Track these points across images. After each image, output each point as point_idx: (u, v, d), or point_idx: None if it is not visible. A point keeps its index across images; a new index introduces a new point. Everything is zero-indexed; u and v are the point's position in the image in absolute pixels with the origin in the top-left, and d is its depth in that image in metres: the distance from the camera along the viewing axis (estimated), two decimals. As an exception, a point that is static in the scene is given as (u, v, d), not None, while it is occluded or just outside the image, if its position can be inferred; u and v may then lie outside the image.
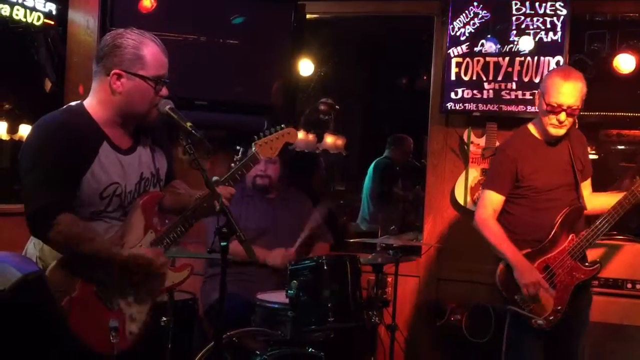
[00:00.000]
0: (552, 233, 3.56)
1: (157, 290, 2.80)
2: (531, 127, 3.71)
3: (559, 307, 3.52)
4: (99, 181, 2.60)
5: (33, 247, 2.66)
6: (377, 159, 7.03)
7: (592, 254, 3.81)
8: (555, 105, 3.48)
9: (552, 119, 3.51)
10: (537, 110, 3.68)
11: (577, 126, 3.77)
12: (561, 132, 3.56)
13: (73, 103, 2.74)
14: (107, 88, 2.65)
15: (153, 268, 2.67)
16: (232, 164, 2.95)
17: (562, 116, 3.49)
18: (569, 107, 3.47)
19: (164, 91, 2.69)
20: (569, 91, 3.47)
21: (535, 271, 3.51)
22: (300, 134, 5.90)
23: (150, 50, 2.65)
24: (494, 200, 3.64)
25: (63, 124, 2.61)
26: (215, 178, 2.83)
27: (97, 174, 2.60)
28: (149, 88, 2.64)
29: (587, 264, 3.62)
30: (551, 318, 3.52)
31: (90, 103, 2.70)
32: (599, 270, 3.65)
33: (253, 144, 2.96)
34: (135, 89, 2.64)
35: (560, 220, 3.56)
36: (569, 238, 3.58)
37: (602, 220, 3.55)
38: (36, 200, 2.52)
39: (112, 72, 2.62)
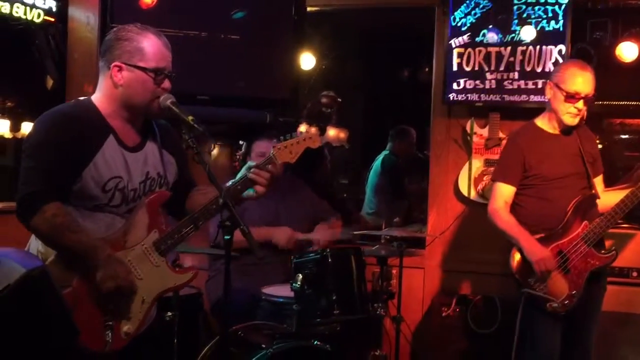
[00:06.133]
0: (565, 219, 3.60)
1: (156, 291, 2.75)
2: (538, 121, 3.78)
3: (574, 292, 3.56)
4: (101, 174, 2.60)
5: (35, 240, 2.65)
6: (383, 154, 6.96)
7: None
8: (574, 93, 3.58)
9: (569, 107, 3.61)
10: (546, 100, 3.72)
11: (584, 120, 3.80)
12: (576, 121, 3.65)
13: (81, 98, 2.76)
14: (110, 81, 2.66)
15: (125, 280, 2.59)
16: (237, 156, 2.88)
17: (580, 104, 3.59)
18: (586, 95, 3.58)
19: (166, 84, 2.68)
20: (587, 80, 3.61)
21: (545, 249, 3.55)
22: (303, 127, 5.89)
23: (150, 43, 2.66)
24: (504, 191, 3.69)
25: (68, 115, 2.63)
26: (250, 163, 2.83)
27: (100, 167, 2.60)
28: (149, 80, 2.64)
29: (603, 251, 3.64)
30: (566, 302, 3.55)
31: (96, 97, 2.72)
32: (615, 258, 3.67)
33: (272, 147, 2.87)
34: (136, 81, 2.64)
35: (573, 207, 3.60)
36: (583, 224, 3.61)
37: (615, 208, 3.59)
38: (28, 185, 2.53)
39: (113, 64, 2.64)
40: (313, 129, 5.99)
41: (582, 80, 3.59)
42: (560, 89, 3.62)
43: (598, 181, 3.79)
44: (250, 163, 2.84)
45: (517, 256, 3.61)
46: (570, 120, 3.63)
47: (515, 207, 3.71)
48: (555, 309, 3.54)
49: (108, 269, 2.55)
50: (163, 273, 2.76)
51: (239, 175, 2.83)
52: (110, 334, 2.59)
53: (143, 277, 2.69)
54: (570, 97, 3.59)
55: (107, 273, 2.55)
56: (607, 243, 3.75)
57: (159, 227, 2.75)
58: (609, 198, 3.72)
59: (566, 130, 3.69)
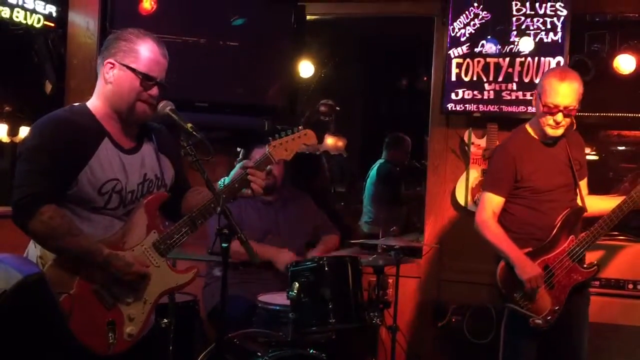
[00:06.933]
0: (553, 234, 3.57)
1: (158, 292, 2.77)
2: (529, 128, 3.72)
3: (557, 307, 3.54)
4: (97, 177, 2.61)
5: (34, 246, 2.66)
6: (378, 163, 6.97)
7: (593, 255, 3.81)
8: (552, 105, 3.49)
9: (549, 119, 3.53)
10: (535, 110, 3.70)
11: (574, 127, 3.78)
12: (558, 132, 3.57)
13: (76, 103, 2.78)
14: (102, 78, 2.70)
15: (128, 274, 2.62)
16: (235, 163, 2.91)
17: (559, 117, 3.50)
18: (565, 107, 3.49)
19: (154, 91, 2.69)
20: (566, 92, 3.48)
21: (536, 266, 3.52)
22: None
23: (147, 48, 2.69)
24: (493, 202, 3.65)
25: (62, 120, 2.65)
26: (244, 161, 2.84)
27: (96, 170, 2.61)
28: (137, 81, 2.66)
29: (585, 265, 3.63)
30: (549, 318, 3.53)
31: (91, 101, 2.75)
32: (597, 273, 3.68)
33: (267, 145, 2.87)
34: (124, 80, 2.66)
35: (561, 222, 3.57)
36: (569, 239, 3.59)
37: (601, 223, 3.56)
38: (24, 188, 2.53)
39: (107, 61, 2.68)
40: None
41: (560, 92, 3.47)
42: (541, 100, 3.54)
43: (583, 185, 3.75)
44: (244, 161, 2.85)
45: (504, 270, 3.57)
46: (552, 132, 3.56)
47: (504, 214, 3.67)
48: (537, 324, 3.51)
49: (110, 271, 2.59)
50: (164, 273, 2.77)
51: (232, 172, 2.84)
52: (112, 335, 2.60)
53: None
54: (549, 109, 3.50)
55: (111, 275, 2.59)
56: (588, 258, 3.72)
57: (157, 227, 2.76)
58: (591, 203, 3.69)
59: (550, 141, 3.65)
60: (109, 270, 2.59)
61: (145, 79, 2.67)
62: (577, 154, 3.70)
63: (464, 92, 4.72)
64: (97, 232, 2.65)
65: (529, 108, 4.56)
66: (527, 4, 4.58)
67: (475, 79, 4.70)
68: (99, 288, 2.61)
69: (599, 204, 3.68)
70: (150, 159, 2.80)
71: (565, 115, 3.50)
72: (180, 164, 2.95)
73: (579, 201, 3.68)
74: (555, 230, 3.57)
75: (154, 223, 2.75)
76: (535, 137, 3.67)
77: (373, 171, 6.95)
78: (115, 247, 2.64)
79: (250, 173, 2.78)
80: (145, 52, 2.68)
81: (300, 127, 2.94)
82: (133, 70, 2.66)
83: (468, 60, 4.70)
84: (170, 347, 3.67)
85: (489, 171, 3.90)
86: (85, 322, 2.55)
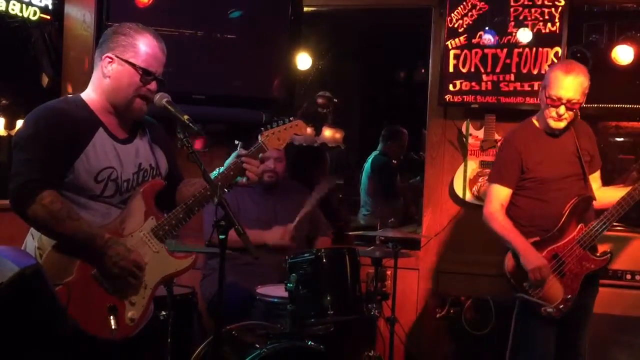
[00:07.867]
0: (561, 222, 3.57)
1: (158, 277, 2.78)
2: (535, 120, 3.74)
3: (569, 296, 3.54)
4: (93, 165, 2.63)
5: (32, 238, 2.66)
6: (373, 155, 6.96)
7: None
8: (555, 98, 3.51)
9: (552, 111, 3.55)
10: (539, 102, 3.70)
11: (579, 117, 3.77)
12: (561, 125, 3.58)
13: (70, 95, 2.79)
14: (100, 72, 2.71)
15: (127, 260, 2.62)
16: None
17: (562, 109, 3.52)
18: (568, 100, 3.51)
19: (153, 85, 2.71)
20: (569, 85, 3.50)
21: (541, 256, 3.52)
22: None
23: (146, 43, 2.70)
24: (500, 193, 3.65)
25: (57, 109, 2.67)
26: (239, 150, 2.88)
27: (91, 158, 2.63)
28: (136, 76, 2.67)
29: (597, 254, 3.63)
30: (561, 307, 3.53)
31: (86, 92, 2.76)
32: (610, 261, 3.66)
33: (260, 135, 2.92)
34: (123, 75, 2.68)
35: (569, 210, 3.57)
36: (578, 227, 3.59)
37: (611, 210, 3.56)
38: (22, 175, 2.54)
39: (105, 55, 2.69)
40: (309, 129, 6.00)
41: (563, 85, 3.50)
42: (545, 92, 3.57)
43: (596, 177, 3.76)
44: (239, 150, 2.89)
45: (512, 260, 3.58)
46: (554, 124, 3.58)
47: (510, 207, 3.68)
48: (550, 313, 3.52)
49: (109, 255, 2.59)
50: (163, 259, 2.79)
51: (227, 162, 2.87)
52: (114, 319, 2.60)
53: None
54: (552, 102, 3.53)
55: (110, 260, 2.59)
56: (600, 247, 3.72)
57: (155, 214, 2.79)
58: (605, 194, 3.70)
59: (555, 133, 3.65)
60: (108, 255, 2.60)
61: (145, 74, 2.68)
62: (586, 144, 3.70)
63: (461, 83, 4.71)
64: (95, 219, 2.66)
65: (527, 99, 4.57)
66: (525, -5, 4.57)
67: (473, 70, 4.69)
68: (99, 271, 2.62)
69: (611, 194, 3.68)
70: (144, 149, 2.82)
71: (568, 109, 3.53)
72: (174, 156, 2.98)
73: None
74: (563, 219, 3.58)
75: (152, 209, 2.77)
76: (541, 129, 3.68)
77: (367, 164, 6.93)
78: (114, 233, 2.66)
79: (245, 161, 2.81)
80: (145, 47, 2.69)
81: (291, 118, 3.00)
82: (133, 65, 2.67)
83: (466, 51, 4.70)
84: (169, 340, 3.66)
85: (495, 163, 3.90)
86: (86, 307, 2.56)
